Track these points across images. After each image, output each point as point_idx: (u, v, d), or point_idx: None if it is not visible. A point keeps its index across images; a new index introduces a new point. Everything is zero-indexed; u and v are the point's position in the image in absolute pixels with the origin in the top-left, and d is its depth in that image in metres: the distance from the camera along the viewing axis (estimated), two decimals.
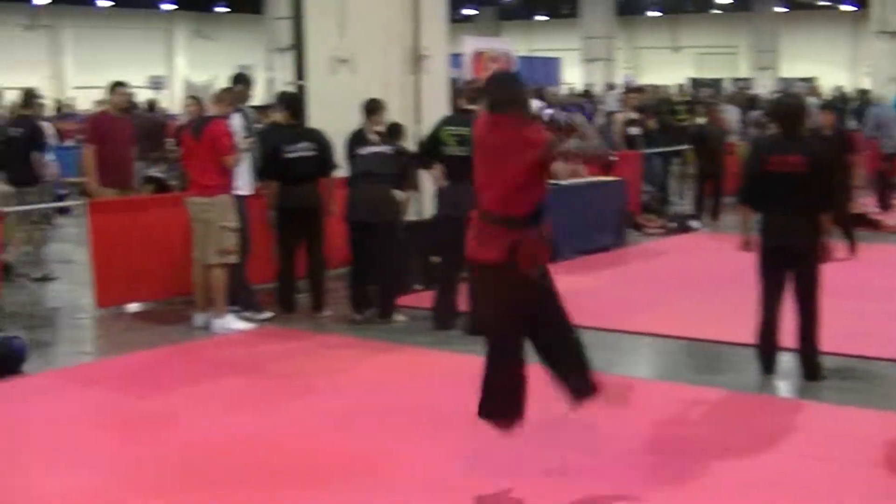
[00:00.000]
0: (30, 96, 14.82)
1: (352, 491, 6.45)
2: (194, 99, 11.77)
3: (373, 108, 11.50)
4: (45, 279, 13.52)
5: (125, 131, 13.44)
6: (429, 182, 11.72)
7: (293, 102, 11.68)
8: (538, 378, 6.47)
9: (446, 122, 10.73)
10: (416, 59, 13.20)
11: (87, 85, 43.07)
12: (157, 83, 32.40)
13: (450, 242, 10.39)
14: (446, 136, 10.39)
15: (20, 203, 13.11)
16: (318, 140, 11.10)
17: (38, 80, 42.30)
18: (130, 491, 6.53)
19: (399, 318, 10.89)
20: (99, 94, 38.70)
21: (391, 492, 6.43)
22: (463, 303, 10.06)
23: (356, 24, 13.12)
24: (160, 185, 15.35)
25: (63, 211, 17.51)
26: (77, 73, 45.48)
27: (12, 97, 19.57)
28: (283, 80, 31.92)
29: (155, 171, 15.91)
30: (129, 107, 14.31)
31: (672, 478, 6.57)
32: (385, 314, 10.90)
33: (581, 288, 12.37)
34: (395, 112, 12.01)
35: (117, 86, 13.35)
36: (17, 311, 11.72)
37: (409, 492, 6.45)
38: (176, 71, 47.59)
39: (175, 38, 49.52)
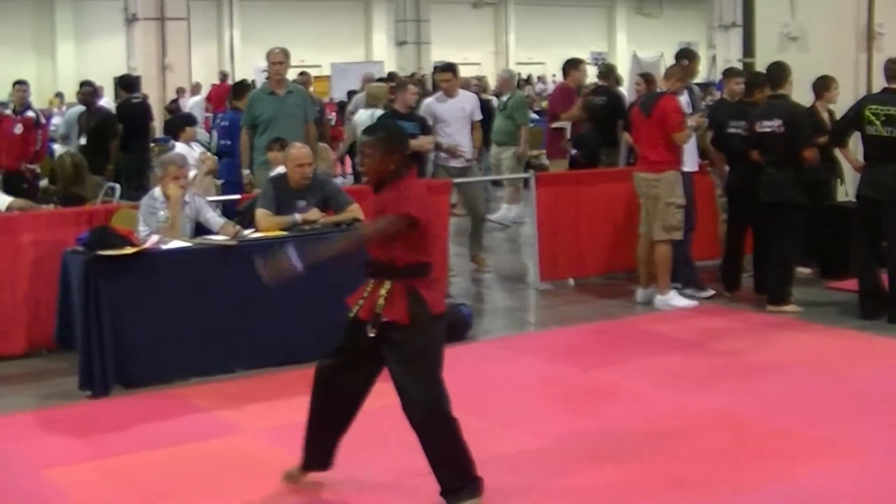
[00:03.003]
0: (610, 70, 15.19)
1: (813, 474, 6.32)
2: (644, 76, 11.80)
3: (823, 86, 11.20)
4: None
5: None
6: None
7: (752, 79, 11.48)
8: None
9: (870, 99, 10.26)
10: (870, 37, 12.68)
11: (528, 61, 44.07)
12: (598, 59, 32.65)
13: (868, 226, 9.99)
14: (869, 114, 9.92)
15: None
16: (748, 116, 10.84)
17: (483, 55, 43.76)
18: (570, 458, 6.63)
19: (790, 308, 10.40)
20: (540, 70, 39.80)
21: (846, 479, 6.24)
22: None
23: (807, 1, 12.78)
24: None
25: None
26: (519, 49, 46.54)
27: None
28: (725, 57, 31.65)
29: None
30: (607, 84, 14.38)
31: None
32: (772, 301, 10.45)
33: None
34: (845, 91, 11.60)
35: (578, 62, 13.56)
36: (464, 280, 12.14)
37: (868, 478, 6.24)
38: (617, 47, 47.87)
39: (616, 14, 49.79)
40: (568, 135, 14.15)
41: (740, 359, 8.88)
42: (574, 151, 13.65)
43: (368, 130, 6.01)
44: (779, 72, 10.57)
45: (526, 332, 10.23)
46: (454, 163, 12.17)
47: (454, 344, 9.32)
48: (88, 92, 16.16)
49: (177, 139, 12.62)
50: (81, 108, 16.36)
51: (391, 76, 21.68)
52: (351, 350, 5.92)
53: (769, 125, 10.34)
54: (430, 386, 5.71)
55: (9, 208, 9.53)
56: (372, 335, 5.72)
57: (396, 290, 5.69)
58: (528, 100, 26.26)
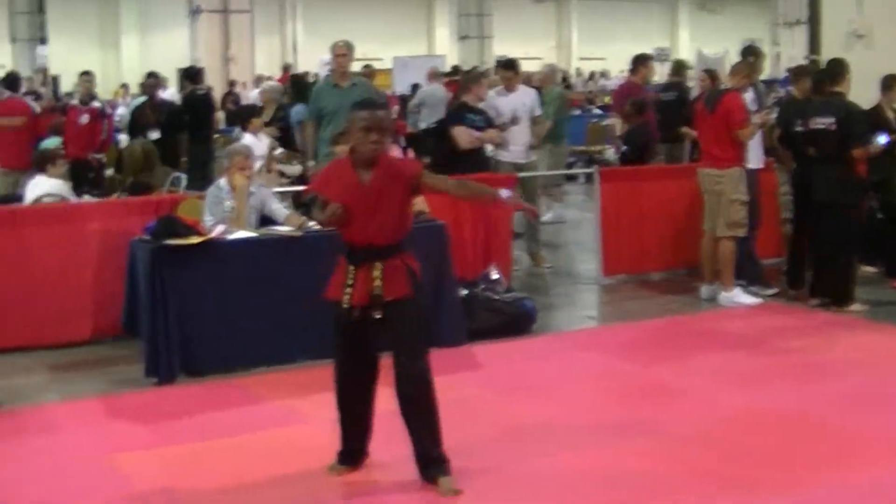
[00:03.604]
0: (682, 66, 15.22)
1: (869, 475, 6.23)
2: (708, 72, 11.77)
3: (888, 84, 11.12)
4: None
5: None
6: None
7: (817, 76, 11.35)
8: None
9: None
10: None
11: (590, 56, 43.96)
12: (661, 55, 32.52)
13: None
14: None
15: None
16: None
17: (545, 50, 43.69)
18: (623, 452, 6.59)
19: (855, 307, 10.29)
20: (602, 65, 39.64)
21: None
22: None
23: None
24: None
25: (570, 178, 17.92)
26: (582, 44, 46.43)
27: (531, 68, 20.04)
28: (790, 54, 31.38)
29: None
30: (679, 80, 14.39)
31: None
32: (836, 300, 10.33)
33: None
34: None
35: (647, 59, 13.60)
36: (525, 275, 12.12)
37: None
38: (679, 43, 47.64)
39: (679, 10, 49.55)
40: (617, 131, 14.14)
41: (802, 358, 8.83)
42: (624, 148, 13.64)
43: (368, 105, 6.01)
44: (837, 68, 10.49)
45: (587, 328, 10.22)
46: (517, 158, 12.18)
47: (517, 338, 9.40)
48: (151, 84, 16.32)
49: (244, 130, 12.72)
50: (143, 98, 16.51)
51: (455, 70, 21.71)
52: (354, 339, 6.00)
53: (822, 122, 10.26)
54: (425, 355, 5.91)
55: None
56: (378, 316, 5.83)
57: (393, 269, 5.87)
58: (591, 95, 26.28)
